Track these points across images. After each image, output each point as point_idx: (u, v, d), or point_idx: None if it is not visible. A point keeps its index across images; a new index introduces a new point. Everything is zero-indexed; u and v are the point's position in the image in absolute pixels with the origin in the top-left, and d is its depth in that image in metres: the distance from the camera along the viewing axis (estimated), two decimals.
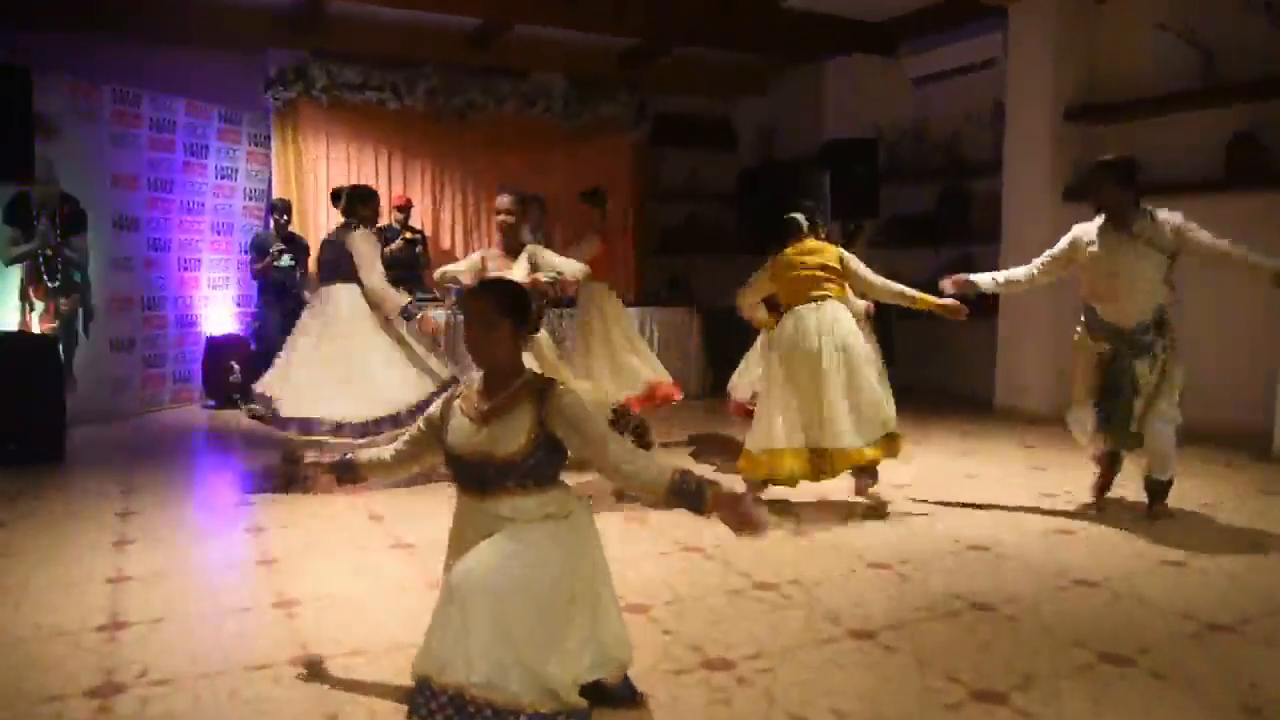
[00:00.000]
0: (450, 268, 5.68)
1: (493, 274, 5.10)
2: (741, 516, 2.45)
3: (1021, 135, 7.82)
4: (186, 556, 4.15)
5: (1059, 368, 7.64)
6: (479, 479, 2.59)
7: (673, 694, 2.80)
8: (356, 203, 5.74)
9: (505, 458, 2.53)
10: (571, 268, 5.57)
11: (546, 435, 2.55)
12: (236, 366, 8.32)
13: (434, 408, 2.77)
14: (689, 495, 2.46)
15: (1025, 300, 7.67)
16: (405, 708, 2.54)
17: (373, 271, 5.50)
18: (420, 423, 2.78)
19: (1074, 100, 7.56)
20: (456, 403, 2.70)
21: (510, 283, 2.86)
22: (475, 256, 5.65)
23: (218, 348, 8.58)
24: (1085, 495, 5.10)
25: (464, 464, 2.61)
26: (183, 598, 3.59)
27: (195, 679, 2.87)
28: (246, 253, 8.67)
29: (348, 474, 2.88)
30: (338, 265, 5.60)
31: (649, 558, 4.13)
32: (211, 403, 8.54)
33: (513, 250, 5.49)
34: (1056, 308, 7.65)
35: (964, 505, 5.00)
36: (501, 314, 2.60)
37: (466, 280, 5.42)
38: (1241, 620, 3.36)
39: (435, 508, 4.30)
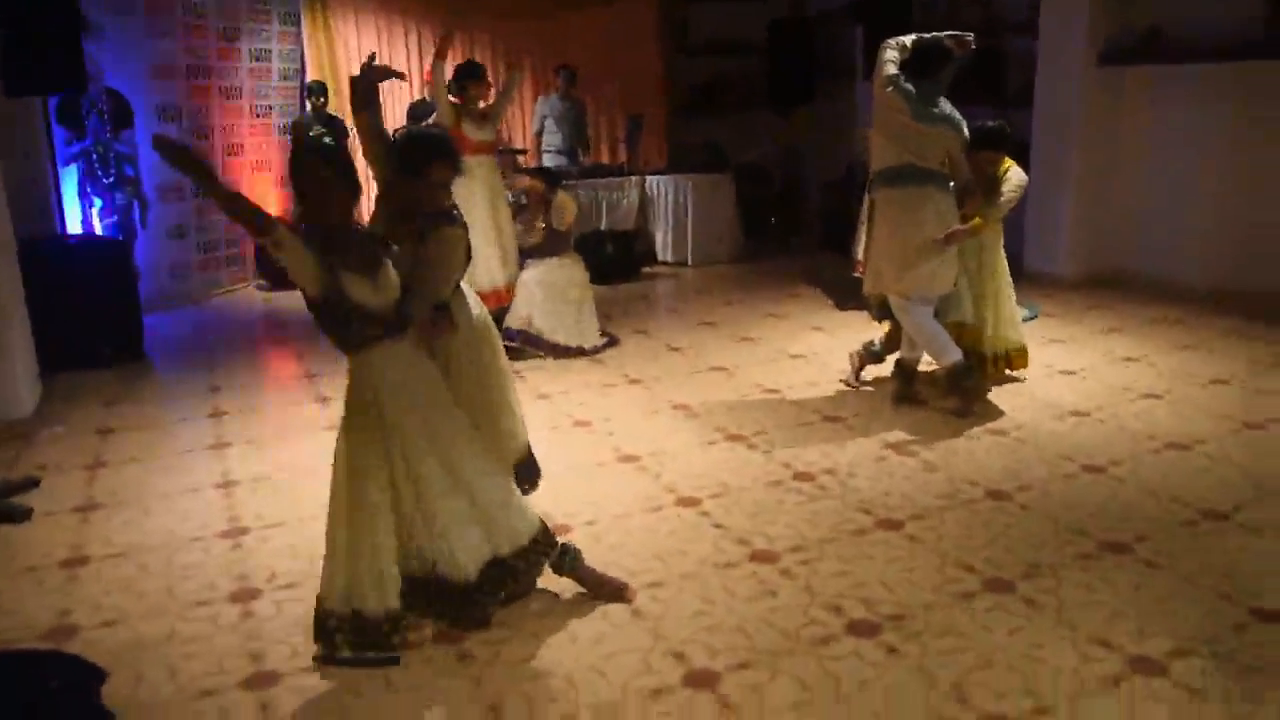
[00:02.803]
0: None
1: None
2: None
3: None
4: (279, 460, 4.59)
5: (1095, 229, 7.83)
6: None
7: (725, 587, 3.26)
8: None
9: None
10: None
11: None
12: None
13: None
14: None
15: (1060, 156, 7.76)
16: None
17: None
18: None
19: None
20: None
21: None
22: None
23: None
24: (1105, 372, 5.44)
25: None
26: (291, 501, 4.04)
27: (318, 582, 3.35)
28: (287, 136, 8.88)
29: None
30: None
31: (697, 447, 4.55)
32: (264, 283, 8.92)
33: None
34: (1091, 165, 7.75)
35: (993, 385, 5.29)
36: None
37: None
38: (1234, 507, 3.74)
39: None
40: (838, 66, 10.28)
